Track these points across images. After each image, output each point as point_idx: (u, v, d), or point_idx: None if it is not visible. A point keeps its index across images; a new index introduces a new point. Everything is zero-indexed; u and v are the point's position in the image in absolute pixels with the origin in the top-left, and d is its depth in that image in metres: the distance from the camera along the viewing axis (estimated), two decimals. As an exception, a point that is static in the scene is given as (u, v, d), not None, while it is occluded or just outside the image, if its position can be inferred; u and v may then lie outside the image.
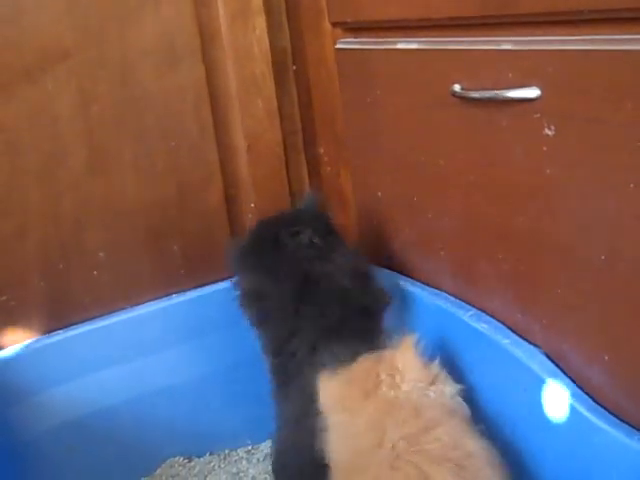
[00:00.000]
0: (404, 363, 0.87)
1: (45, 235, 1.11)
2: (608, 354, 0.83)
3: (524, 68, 0.83)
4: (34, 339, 1.11)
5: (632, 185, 0.74)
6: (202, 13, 1.17)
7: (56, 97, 1.08)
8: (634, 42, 0.71)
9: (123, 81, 1.13)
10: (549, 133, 0.82)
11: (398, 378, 0.86)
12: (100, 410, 1.14)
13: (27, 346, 1.10)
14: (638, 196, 0.74)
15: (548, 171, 0.84)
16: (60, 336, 1.12)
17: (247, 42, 1.20)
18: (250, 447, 1.26)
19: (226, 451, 1.26)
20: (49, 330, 1.12)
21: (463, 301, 1.04)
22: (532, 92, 0.82)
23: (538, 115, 0.83)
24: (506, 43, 0.85)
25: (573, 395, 0.85)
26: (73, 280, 1.14)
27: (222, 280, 1.19)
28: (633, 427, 0.79)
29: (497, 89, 0.86)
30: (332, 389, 0.88)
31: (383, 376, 0.86)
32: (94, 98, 1.11)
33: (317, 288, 0.98)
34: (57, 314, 1.13)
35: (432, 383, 0.87)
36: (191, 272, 1.22)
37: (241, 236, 1.11)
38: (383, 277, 1.16)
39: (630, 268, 0.77)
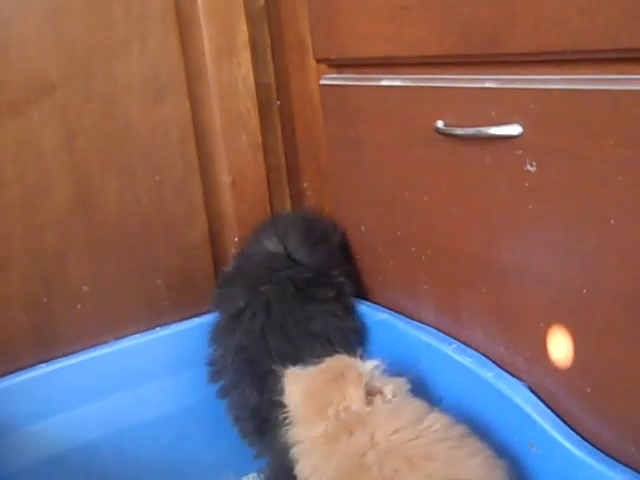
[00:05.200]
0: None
1: (28, 268, 1.11)
2: (590, 387, 0.83)
3: (507, 106, 0.85)
4: (15, 373, 1.10)
5: (612, 221, 0.76)
6: (188, 49, 1.18)
7: (41, 130, 1.08)
8: (613, 82, 0.74)
9: (108, 115, 1.13)
10: (531, 169, 0.84)
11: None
12: (81, 445, 1.13)
13: (8, 380, 1.09)
14: (619, 231, 0.76)
15: (530, 206, 0.85)
16: (42, 370, 1.10)
17: (232, 78, 1.22)
18: (234, 480, 1.26)
19: (209, 485, 1.25)
20: (32, 364, 1.11)
21: (446, 334, 1.04)
22: (514, 129, 0.84)
23: (520, 152, 0.84)
24: (489, 81, 0.87)
25: (556, 428, 0.85)
26: (56, 313, 1.13)
27: (206, 313, 1.19)
28: (615, 459, 0.80)
29: (480, 126, 0.88)
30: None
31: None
32: (79, 132, 1.11)
33: None
34: (40, 348, 1.12)
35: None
36: (175, 305, 1.22)
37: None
38: (366, 311, 1.17)
39: (611, 302, 0.79)
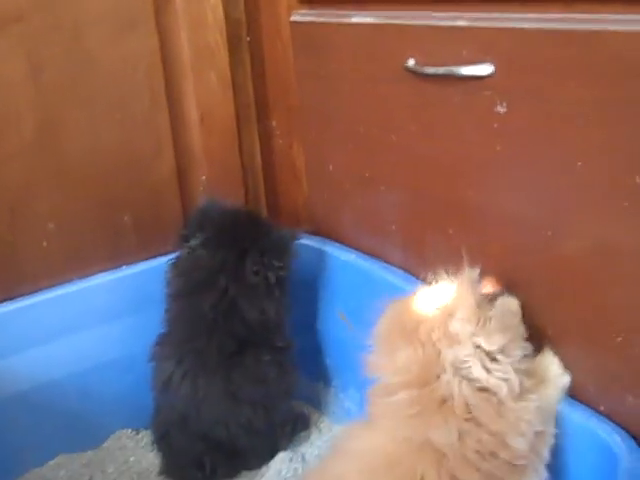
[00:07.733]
0: None
1: (-7, 204, 1.09)
2: (552, 329, 0.85)
3: (478, 45, 0.84)
4: (-21, 310, 1.09)
5: (580, 163, 0.76)
6: (156, -21, 1.15)
7: (7, 60, 1.06)
8: (579, 21, 0.73)
9: (75, 47, 1.10)
10: (500, 110, 0.83)
11: None
12: (46, 383, 1.13)
13: (-28, 317, 1.08)
14: (585, 174, 0.76)
15: (498, 147, 0.85)
16: (7, 307, 1.10)
17: (201, 10, 1.19)
18: (199, 418, 1.26)
19: (174, 422, 1.25)
20: (-4, 302, 1.10)
21: (413, 275, 1.04)
22: (485, 69, 0.83)
23: (490, 92, 0.84)
24: (461, 20, 0.86)
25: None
26: (22, 251, 1.12)
27: (173, 252, 1.18)
28: (575, 399, 0.83)
29: (451, 65, 0.87)
30: None
31: None
32: (46, 63, 1.08)
33: None
34: (5, 286, 1.11)
35: None
36: (142, 243, 1.21)
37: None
38: (333, 251, 1.17)
39: (575, 245, 0.79)
